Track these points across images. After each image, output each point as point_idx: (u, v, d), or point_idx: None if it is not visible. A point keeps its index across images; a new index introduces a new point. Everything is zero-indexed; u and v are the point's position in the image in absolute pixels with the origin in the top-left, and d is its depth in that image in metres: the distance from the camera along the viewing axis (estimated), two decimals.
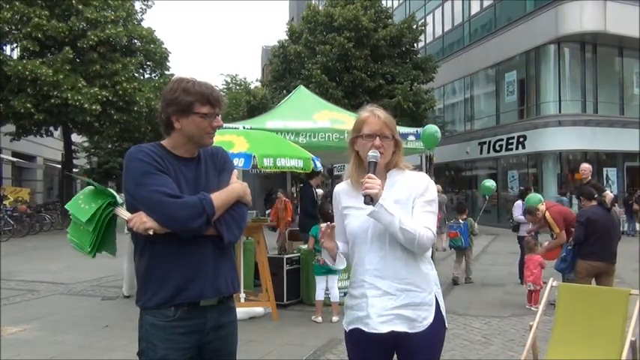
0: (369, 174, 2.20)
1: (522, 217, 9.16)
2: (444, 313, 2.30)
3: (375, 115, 2.32)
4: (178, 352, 2.15)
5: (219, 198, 2.15)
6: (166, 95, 2.21)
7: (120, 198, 2.30)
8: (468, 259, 9.72)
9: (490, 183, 11.83)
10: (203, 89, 2.19)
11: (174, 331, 2.15)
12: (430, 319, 2.23)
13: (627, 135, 20.69)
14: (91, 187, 2.33)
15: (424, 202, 2.27)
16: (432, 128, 9.20)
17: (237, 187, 2.26)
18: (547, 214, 7.44)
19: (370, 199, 2.15)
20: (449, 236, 10.03)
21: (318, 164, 7.23)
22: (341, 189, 2.45)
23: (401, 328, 2.21)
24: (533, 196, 8.33)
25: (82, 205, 2.26)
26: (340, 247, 2.39)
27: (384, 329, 2.21)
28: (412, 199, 2.27)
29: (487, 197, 12.65)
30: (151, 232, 2.06)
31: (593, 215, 6.15)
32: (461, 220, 9.74)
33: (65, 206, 2.38)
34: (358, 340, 2.31)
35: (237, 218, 2.24)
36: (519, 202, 9.55)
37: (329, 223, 2.35)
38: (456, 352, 5.36)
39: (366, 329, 2.26)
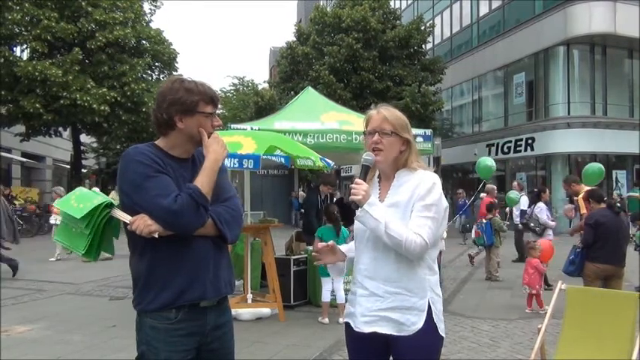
0: (357, 179, 2.21)
1: (551, 222, 9.14)
2: (436, 320, 2.23)
3: (377, 111, 2.34)
4: (180, 354, 2.15)
5: (202, 182, 2.12)
6: (167, 95, 2.17)
7: (114, 200, 2.24)
8: (492, 257, 10.07)
9: (514, 194, 12.31)
10: (206, 89, 2.22)
11: (176, 334, 2.13)
12: (419, 325, 2.18)
13: (637, 137, 20.54)
14: (83, 189, 2.31)
15: (422, 207, 2.19)
16: (488, 161, 10.39)
17: (210, 157, 2.19)
18: (582, 195, 7.33)
19: (356, 205, 2.16)
20: (476, 235, 10.54)
21: (330, 162, 7.27)
22: None
23: (385, 330, 2.20)
24: (592, 166, 8.77)
25: (74, 204, 2.21)
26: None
27: (367, 329, 2.23)
28: (412, 202, 2.22)
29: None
30: (156, 235, 2.04)
31: (602, 218, 6.09)
32: (484, 220, 10.26)
33: (55, 204, 2.37)
34: (350, 335, 2.35)
35: (236, 216, 2.26)
36: (542, 205, 9.37)
37: (328, 243, 2.45)
38: (464, 354, 5.34)
39: (352, 326, 2.30)
